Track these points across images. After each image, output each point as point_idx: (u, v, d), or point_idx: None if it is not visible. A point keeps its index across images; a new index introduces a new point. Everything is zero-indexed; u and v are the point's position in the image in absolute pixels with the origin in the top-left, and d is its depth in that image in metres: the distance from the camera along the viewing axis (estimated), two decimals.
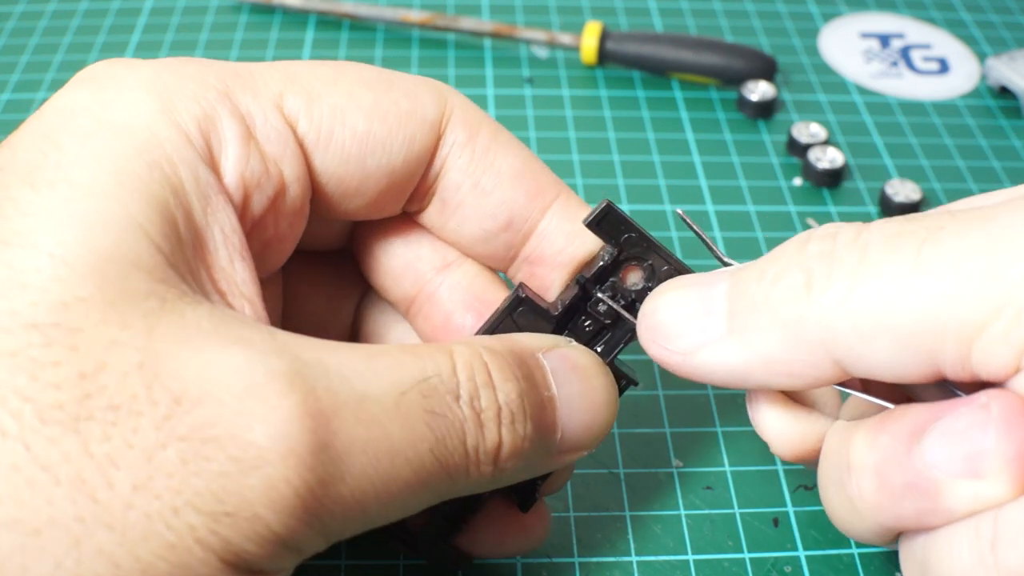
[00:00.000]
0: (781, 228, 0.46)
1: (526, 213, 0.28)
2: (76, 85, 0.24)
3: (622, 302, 0.28)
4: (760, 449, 0.36)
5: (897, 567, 0.32)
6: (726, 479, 0.35)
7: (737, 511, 0.34)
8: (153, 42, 0.57)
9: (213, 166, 0.24)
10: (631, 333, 0.28)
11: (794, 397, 0.27)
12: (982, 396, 0.22)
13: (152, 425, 0.20)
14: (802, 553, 0.33)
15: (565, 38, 0.55)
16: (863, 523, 0.24)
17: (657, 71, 0.55)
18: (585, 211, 0.28)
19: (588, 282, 0.28)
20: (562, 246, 0.28)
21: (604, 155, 0.50)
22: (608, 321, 0.28)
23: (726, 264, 0.27)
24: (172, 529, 0.19)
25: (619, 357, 0.28)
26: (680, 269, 0.28)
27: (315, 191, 0.27)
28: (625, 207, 0.46)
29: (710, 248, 0.27)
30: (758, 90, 0.52)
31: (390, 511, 0.23)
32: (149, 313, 0.21)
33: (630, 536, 0.33)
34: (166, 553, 0.19)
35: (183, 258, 0.22)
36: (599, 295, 0.28)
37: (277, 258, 0.27)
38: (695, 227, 0.28)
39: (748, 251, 0.44)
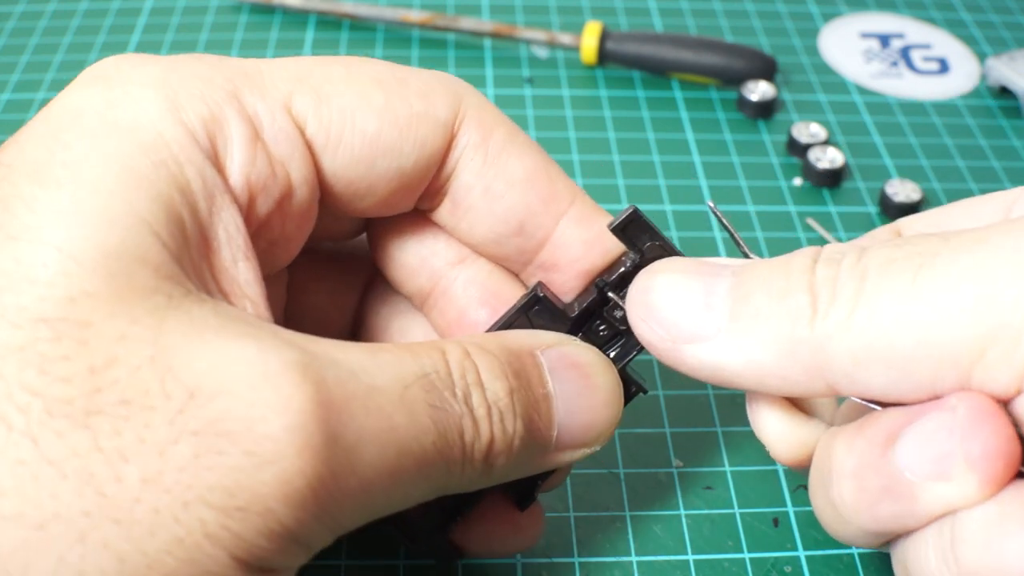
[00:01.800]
0: (781, 228, 0.46)
1: (539, 220, 0.28)
2: (83, 83, 0.24)
3: None
4: (760, 449, 0.36)
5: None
6: (726, 479, 0.35)
7: (737, 511, 0.34)
8: (153, 42, 0.57)
9: (218, 167, 0.24)
10: None
11: (794, 403, 0.27)
12: (951, 398, 0.22)
13: (165, 420, 0.20)
14: (802, 553, 0.33)
15: (565, 38, 0.55)
16: (847, 527, 0.24)
17: (657, 71, 0.55)
18: (601, 216, 0.28)
19: (607, 287, 0.28)
20: (579, 254, 0.28)
21: (604, 155, 0.50)
22: (624, 327, 0.28)
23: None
24: (181, 523, 0.19)
25: (631, 365, 0.28)
26: None
27: (324, 192, 0.27)
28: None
29: (738, 244, 0.27)
30: (758, 90, 0.52)
31: (393, 504, 0.23)
32: (157, 308, 0.21)
33: (630, 536, 0.33)
34: (174, 548, 0.19)
35: (188, 256, 0.22)
36: (617, 300, 0.28)
37: (284, 256, 0.27)
38: (725, 221, 0.28)
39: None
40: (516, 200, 0.28)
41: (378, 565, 0.32)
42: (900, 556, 0.24)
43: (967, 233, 0.22)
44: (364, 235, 0.31)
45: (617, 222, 0.27)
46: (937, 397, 0.22)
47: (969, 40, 0.59)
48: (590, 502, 0.34)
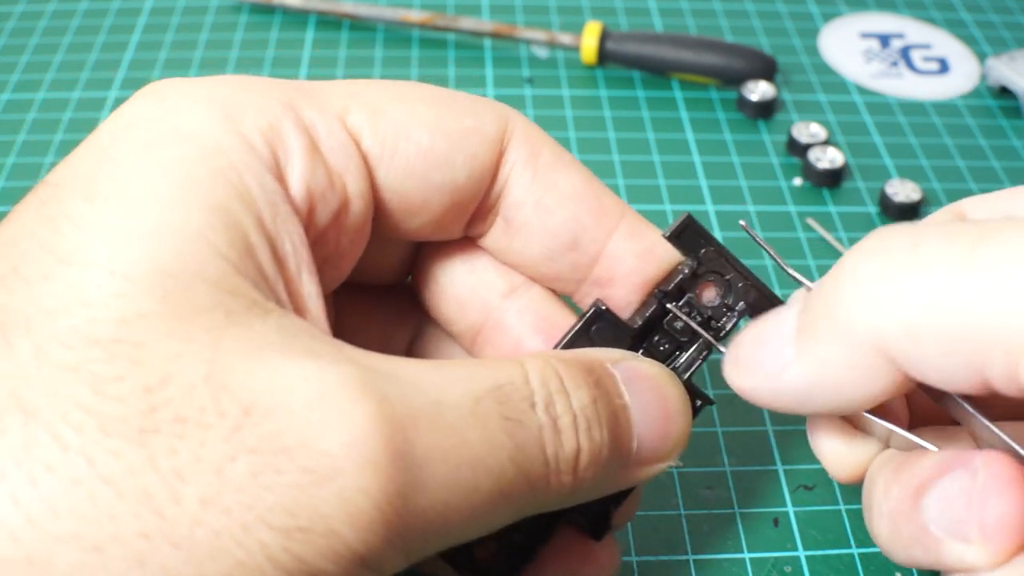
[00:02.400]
0: (781, 228, 0.46)
1: (592, 234, 0.27)
2: (134, 100, 0.24)
3: (698, 319, 0.28)
4: (760, 449, 0.36)
5: (897, 567, 0.32)
6: (726, 479, 0.35)
7: (737, 511, 0.34)
8: (153, 42, 0.57)
9: (279, 177, 0.23)
10: (707, 351, 0.28)
11: (849, 422, 0.27)
12: (977, 459, 0.22)
13: (221, 437, 0.19)
14: (802, 553, 0.33)
15: (565, 38, 0.56)
16: (890, 556, 0.25)
17: (657, 71, 0.55)
18: (649, 230, 0.28)
19: (667, 296, 0.28)
20: (633, 266, 0.28)
21: (604, 155, 0.50)
22: (684, 339, 0.28)
23: (791, 276, 0.28)
24: (242, 547, 0.18)
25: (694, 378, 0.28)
26: (757, 285, 0.28)
27: (378, 207, 0.26)
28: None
29: (780, 265, 0.28)
30: (758, 90, 0.52)
31: (471, 526, 0.22)
32: (214, 326, 0.20)
33: (630, 536, 0.33)
34: (235, 572, 0.18)
35: (254, 265, 0.22)
36: (676, 311, 0.28)
37: (335, 276, 0.27)
38: (762, 242, 0.28)
39: (749, 252, 0.44)
40: (568, 214, 0.27)
41: None
42: None
43: None
44: (409, 280, 0.30)
45: (672, 229, 0.28)
46: (989, 387, 0.22)
47: (969, 40, 0.60)
48: None
